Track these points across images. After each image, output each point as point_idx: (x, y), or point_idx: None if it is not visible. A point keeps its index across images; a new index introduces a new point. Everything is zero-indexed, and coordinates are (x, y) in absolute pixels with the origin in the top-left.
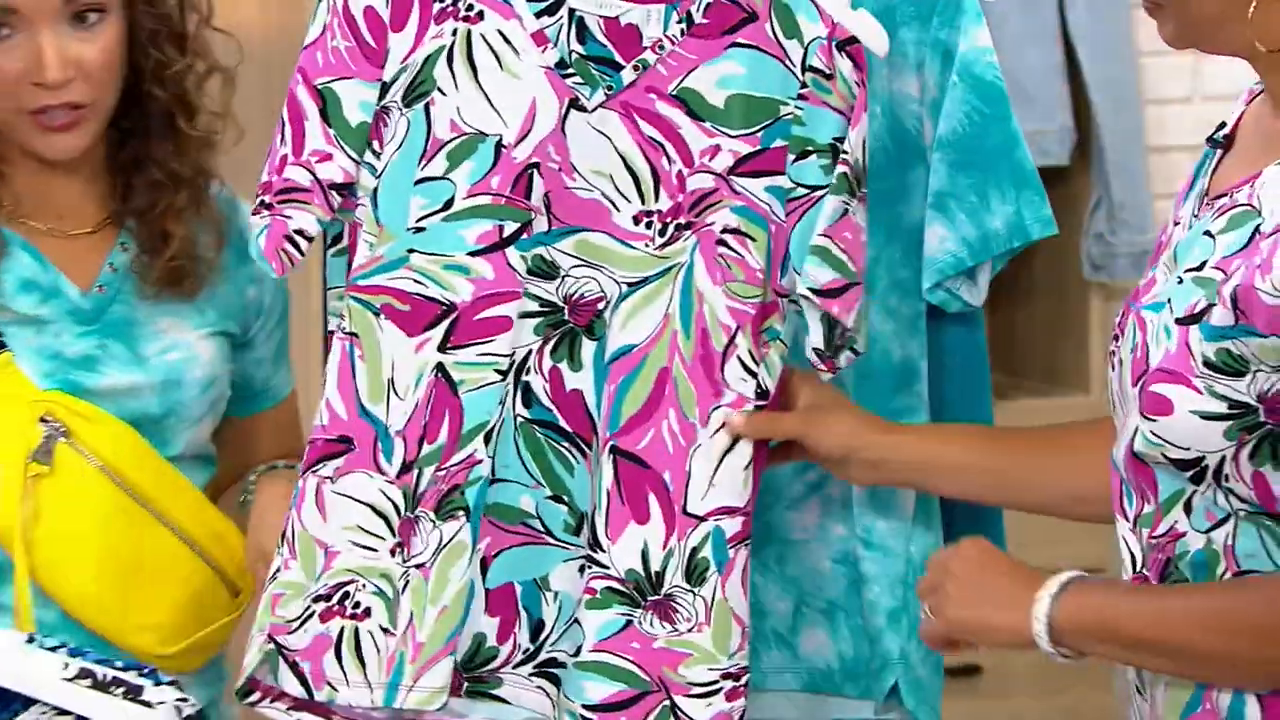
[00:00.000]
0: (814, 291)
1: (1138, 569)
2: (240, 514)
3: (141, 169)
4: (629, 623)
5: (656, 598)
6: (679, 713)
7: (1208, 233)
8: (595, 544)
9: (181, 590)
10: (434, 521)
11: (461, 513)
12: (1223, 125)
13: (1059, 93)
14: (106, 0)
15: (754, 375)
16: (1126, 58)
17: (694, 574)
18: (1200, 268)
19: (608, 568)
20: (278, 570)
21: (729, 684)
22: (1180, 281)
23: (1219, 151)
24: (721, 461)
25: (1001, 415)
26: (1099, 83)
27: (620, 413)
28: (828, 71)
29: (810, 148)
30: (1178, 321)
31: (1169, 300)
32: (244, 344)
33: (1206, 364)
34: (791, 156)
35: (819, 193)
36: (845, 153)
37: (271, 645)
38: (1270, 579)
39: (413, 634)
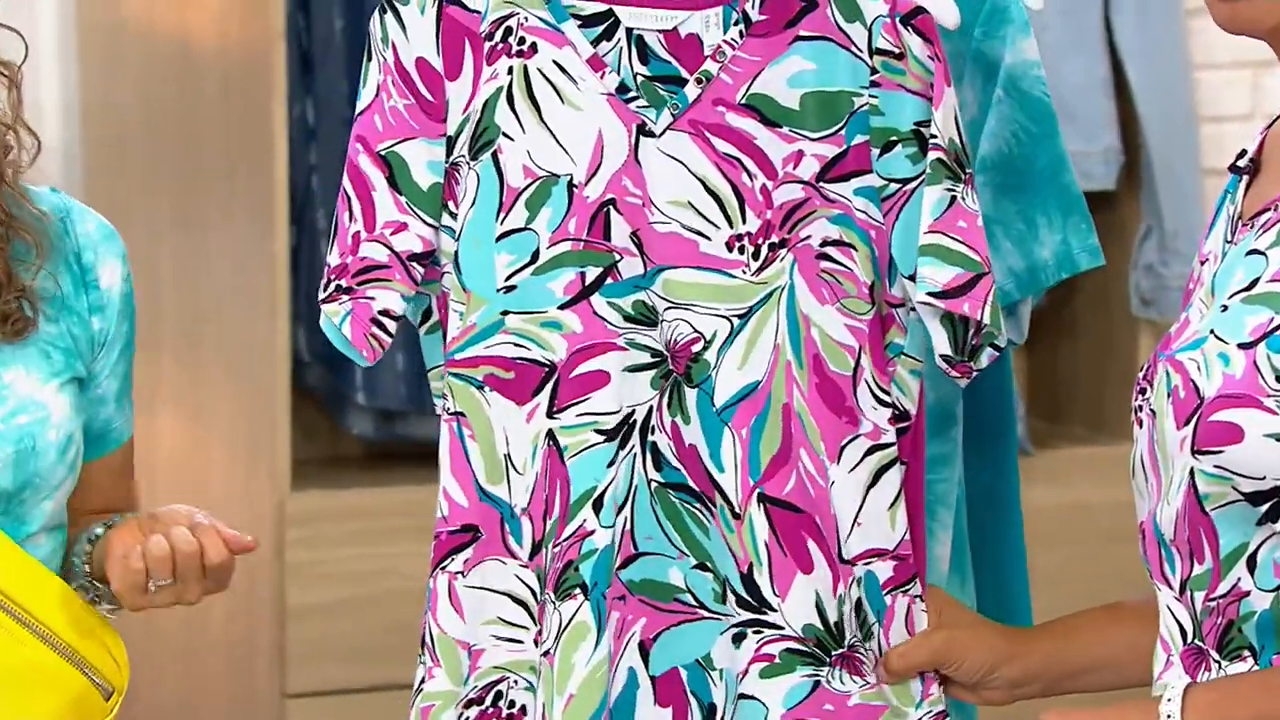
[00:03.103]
0: (936, 295)
1: (1189, 640)
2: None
3: None
4: (817, 684)
5: (841, 650)
6: None
7: (1254, 251)
8: (761, 604)
9: (51, 701)
10: (554, 604)
11: (578, 590)
12: (1244, 153)
13: (1104, 109)
14: None
15: (886, 401)
16: (1179, 70)
17: (863, 626)
18: (1251, 286)
19: (782, 628)
20: (422, 681)
21: None
22: (1225, 309)
23: (1245, 178)
24: (865, 499)
25: (1042, 464)
26: (1149, 98)
27: (759, 457)
28: (897, 51)
29: (894, 137)
30: (1240, 346)
31: (1212, 330)
32: (86, 382)
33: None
34: (876, 151)
35: (912, 185)
36: (934, 136)
37: None
38: None
39: None
